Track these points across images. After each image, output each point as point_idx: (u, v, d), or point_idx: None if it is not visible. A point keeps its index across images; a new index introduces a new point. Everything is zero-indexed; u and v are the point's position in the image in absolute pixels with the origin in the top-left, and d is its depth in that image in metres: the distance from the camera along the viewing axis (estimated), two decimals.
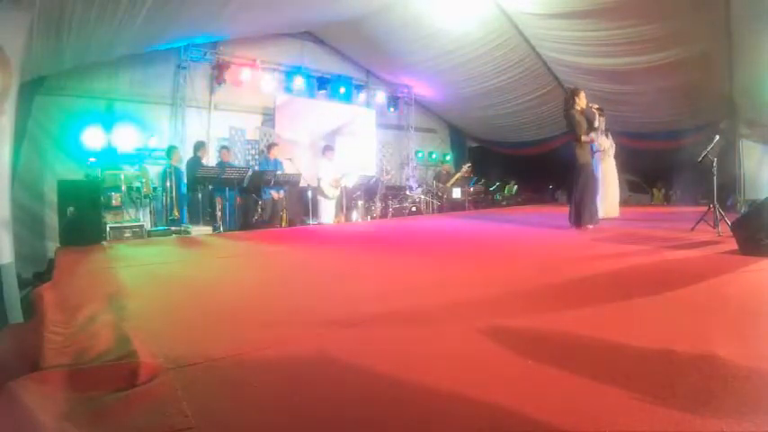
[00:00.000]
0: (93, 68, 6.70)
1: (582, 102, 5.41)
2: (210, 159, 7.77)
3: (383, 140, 11.13)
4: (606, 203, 6.34)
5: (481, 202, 11.37)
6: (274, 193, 7.44)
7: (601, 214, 6.26)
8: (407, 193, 10.07)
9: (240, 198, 7.32)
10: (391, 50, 9.22)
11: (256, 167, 7.79)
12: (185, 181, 7.04)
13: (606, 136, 6.51)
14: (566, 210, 5.78)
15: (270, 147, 7.88)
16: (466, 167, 10.84)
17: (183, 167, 7.18)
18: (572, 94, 5.47)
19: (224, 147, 7.79)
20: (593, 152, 5.84)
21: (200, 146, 7.25)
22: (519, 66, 8.96)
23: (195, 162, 7.04)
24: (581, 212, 5.31)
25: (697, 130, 8.00)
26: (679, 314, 2.09)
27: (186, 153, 7.41)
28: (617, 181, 6.54)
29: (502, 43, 8.34)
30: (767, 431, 1.09)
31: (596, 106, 5.71)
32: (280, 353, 1.68)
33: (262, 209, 7.32)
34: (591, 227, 5.29)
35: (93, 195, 5.15)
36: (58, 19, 4.44)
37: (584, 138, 5.32)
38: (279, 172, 7.37)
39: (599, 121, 5.63)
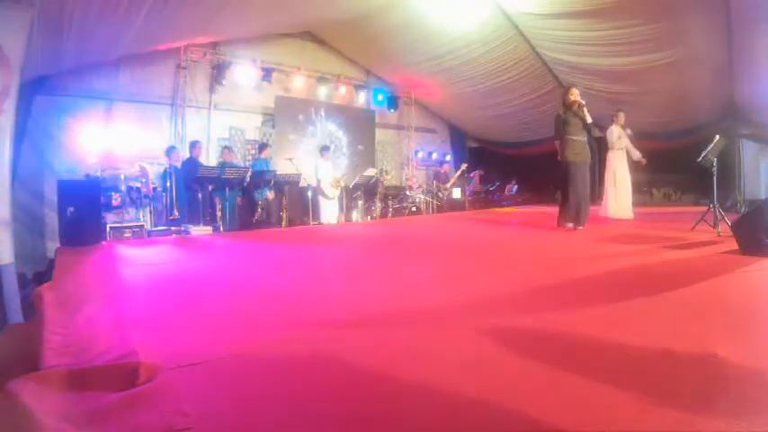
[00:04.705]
0: (93, 68, 6.69)
1: (572, 97, 5.29)
2: (210, 159, 7.76)
3: (383, 140, 11.13)
4: (617, 204, 6.27)
5: (481, 202, 11.35)
6: (270, 193, 7.46)
7: (610, 214, 6.26)
8: (407, 193, 10.07)
9: (240, 198, 7.32)
10: (391, 50, 9.21)
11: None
12: (185, 181, 7.03)
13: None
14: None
15: (261, 147, 7.88)
16: (464, 167, 10.83)
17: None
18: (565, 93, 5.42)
19: (226, 147, 7.78)
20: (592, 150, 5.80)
21: (194, 145, 7.24)
22: (519, 66, 8.95)
23: (192, 162, 7.03)
24: (578, 212, 5.22)
25: (697, 130, 8.00)
26: (679, 314, 2.09)
27: (185, 153, 7.40)
28: (628, 182, 6.35)
29: (502, 43, 8.34)
30: (767, 431, 1.09)
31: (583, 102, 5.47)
32: (279, 353, 1.68)
33: (262, 209, 7.33)
34: (580, 227, 5.14)
35: (93, 195, 5.15)
36: (58, 18, 4.44)
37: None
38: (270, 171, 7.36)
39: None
